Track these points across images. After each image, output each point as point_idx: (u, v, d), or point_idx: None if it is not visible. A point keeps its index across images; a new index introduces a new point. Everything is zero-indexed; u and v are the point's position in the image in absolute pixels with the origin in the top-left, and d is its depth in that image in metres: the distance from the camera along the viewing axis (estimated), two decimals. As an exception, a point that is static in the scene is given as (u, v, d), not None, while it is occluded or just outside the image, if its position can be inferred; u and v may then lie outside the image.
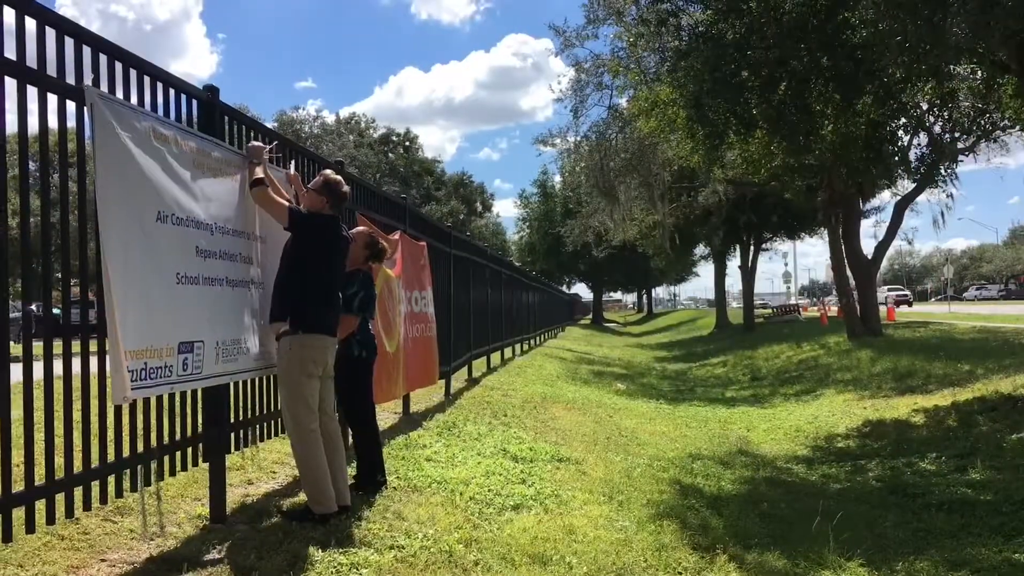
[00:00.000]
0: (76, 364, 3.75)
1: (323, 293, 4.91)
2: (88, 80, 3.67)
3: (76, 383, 3.71)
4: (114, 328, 3.56)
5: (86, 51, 3.69)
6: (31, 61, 3.30)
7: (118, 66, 3.91)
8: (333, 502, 4.81)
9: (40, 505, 3.44)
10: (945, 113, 15.32)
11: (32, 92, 3.29)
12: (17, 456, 3.33)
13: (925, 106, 15.13)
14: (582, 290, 77.52)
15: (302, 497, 5.24)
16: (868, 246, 20.78)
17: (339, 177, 5.17)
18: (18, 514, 3.35)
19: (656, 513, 6.29)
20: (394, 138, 66.97)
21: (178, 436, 4.43)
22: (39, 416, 3.45)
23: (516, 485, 6.36)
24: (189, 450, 4.53)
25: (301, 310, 4.84)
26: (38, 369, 3.46)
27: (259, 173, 4.93)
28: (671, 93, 13.35)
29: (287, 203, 4.98)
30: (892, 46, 9.31)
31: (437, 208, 59.29)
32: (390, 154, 65.01)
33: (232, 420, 5.00)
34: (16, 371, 3.27)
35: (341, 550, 4.29)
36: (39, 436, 3.48)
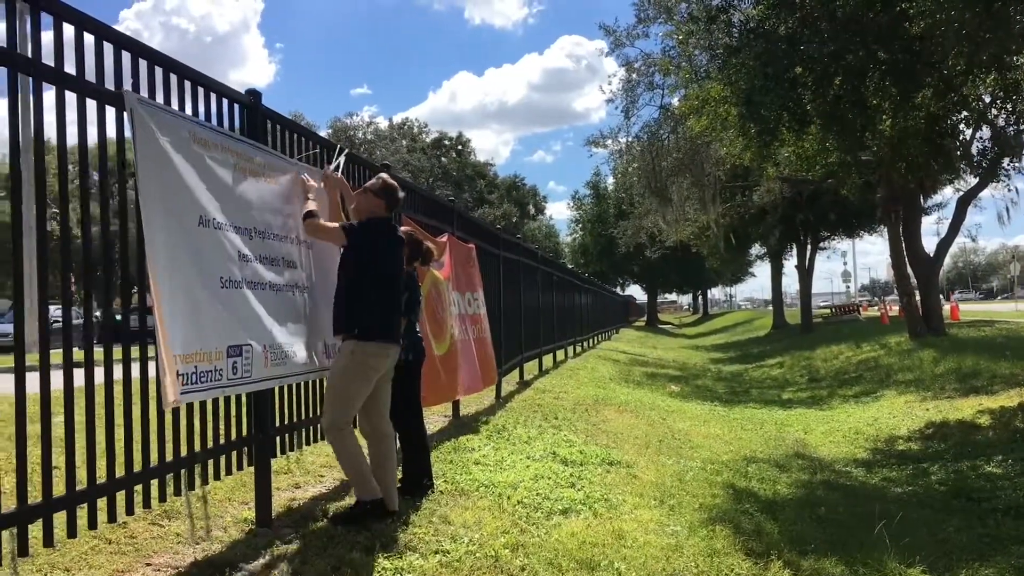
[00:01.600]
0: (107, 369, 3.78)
1: (385, 299, 4.90)
2: (127, 85, 3.69)
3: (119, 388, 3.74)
4: (162, 332, 3.58)
5: (126, 57, 3.71)
6: (69, 67, 3.33)
7: (158, 71, 3.94)
8: (377, 490, 4.81)
9: (83, 511, 3.48)
10: (1008, 105, 14.78)
11: (70, 98, 3.31)
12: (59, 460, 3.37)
13: (987, 98, 14.62)
14: (636, 292, 77.05)
15: (347, 502, 5.24)
16: (930, 243, 20.14)
17: (393, 181, 5.19)
18: (60, 519, 3.38)
19: (708, 518, 6.16)
20: (446, 142, 67.28)
21: (223, 440, 4.44)
22: (80, 420, 3.47)
23: (565, 489, 6.28)
24: (234, 454, 4.54)
25: (364, 319, 4.81)
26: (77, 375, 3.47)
27: (311, 206, 5.00)
28: (722, 90, 13.14)
29: (336, 225, 5.01)
30: (951, 36, 9.03)
31: (490, 211, 59.39)
32: (443, 158, 65.32)
33: (277, 424, 5.01)
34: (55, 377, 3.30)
35: (386, 555, 4.26)
36: (81, 441, 3.51)
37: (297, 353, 4.92)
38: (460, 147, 67.75)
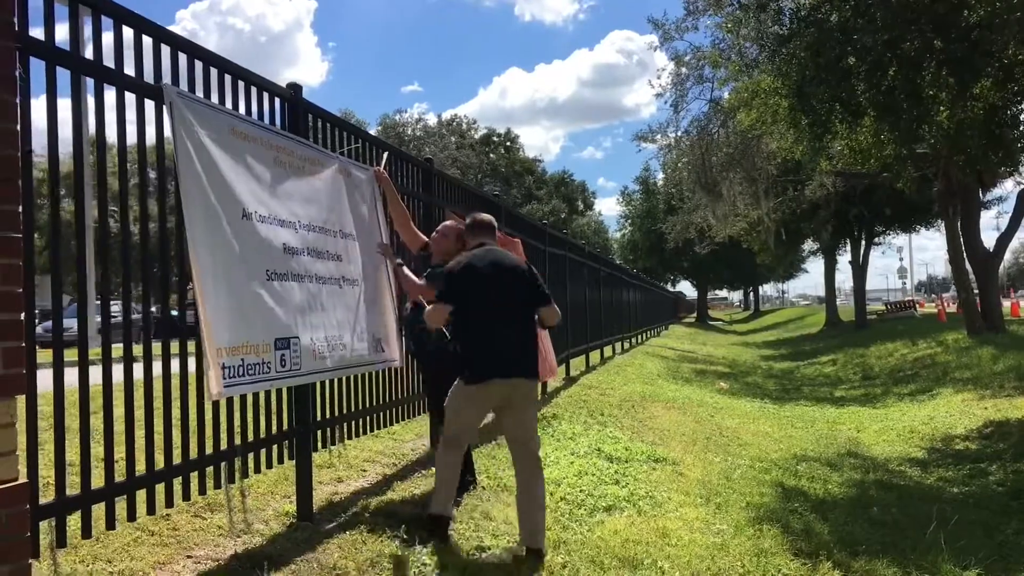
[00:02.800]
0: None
1: (488, 338, 4.58)
2: (167, 79, 3.70)
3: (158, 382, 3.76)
4: (205, 326, 3.58)
5: (165, 51, 3.73)
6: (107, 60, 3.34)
7: (198, 65, 3.95)
8: (449, 510, 4.65)
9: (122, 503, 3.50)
10: (1072, 94, 14.30)
11: (110, 93, 3.33)
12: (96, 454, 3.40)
13: (1049, 88, 14.16)
14: (686, 288, 76.42)
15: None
16: (990, 238, 19.59)
17: (480, 216, 5.05)
18: (99, 510, 3.41)
19: (756, 517, 6.03)
20: (495, 138, 67.30)
21: (263, 434, 4.45)
22: (119, 413, 3.49)
23: (609, 486, 6.20)
24: (275, 448, 4.54)
25: (463, 365, 4.62)
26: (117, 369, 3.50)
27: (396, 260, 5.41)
28: (772, 82, 12.90)
29: (422, 283, 5.20)
30: (1011, 24, 8.73)
31: (538, 207, 59.26)
32: (491, 154, 65.36)
33: (319, 418, 5.02)
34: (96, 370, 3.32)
35: (426, 550, 4.23)
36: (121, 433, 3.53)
37: (345, 347, 4.93)
38: (509, 143, 67.73)
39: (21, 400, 2.55)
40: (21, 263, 2.34)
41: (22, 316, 2.37)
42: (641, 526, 5.29)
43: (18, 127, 2.41)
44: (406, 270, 5.54)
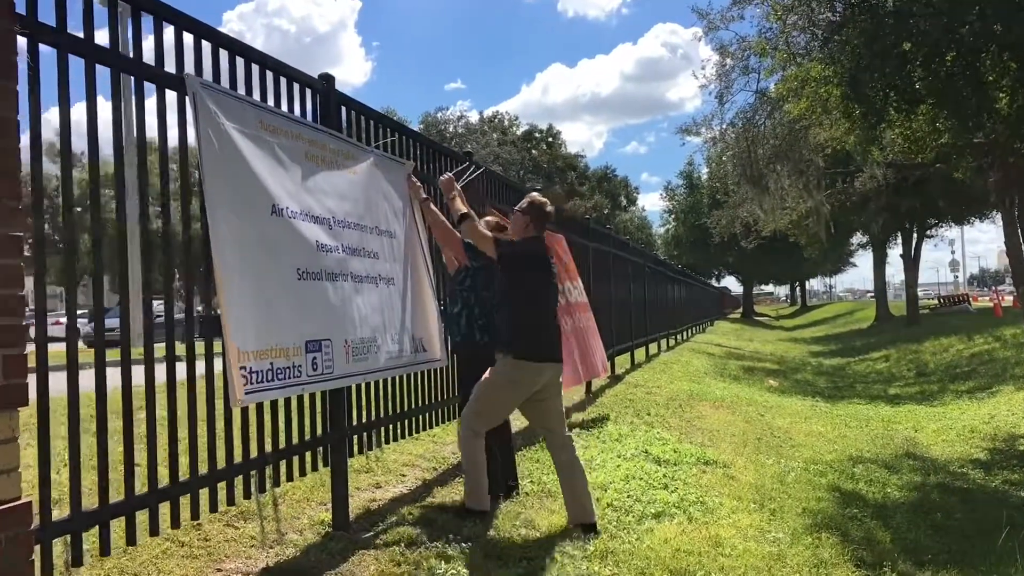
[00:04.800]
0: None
1: (539, 320, 4.91)
2: (189, 69, 3.53)
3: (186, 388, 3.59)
4: (227, 328, 3.41)
5: (188, 39, 3.55)
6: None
7: (223, 55, 3.77)
8: (487, 502, 4.86)
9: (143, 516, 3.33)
10: None
11: (127, 82, 3.15)
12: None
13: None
14: (731, 283, 75.51)
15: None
16: (1049, 230, 18.83)
17: (542, 199, 5.11)
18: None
19: (813, 523, 5.75)
20: (537, 134, 66.98)
21: (295, 440, 4.26)
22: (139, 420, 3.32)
23: (658, 490, 5.95)
24: (308, 455, 4.36)
25: (518, 339, 4.83)
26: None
27: (462, 208, 5.14)
28: (823, 70, 12.43)
29: (491, 235, 5.05)
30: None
31: (581, 203, 58.86)
32: (533, 151, 65.06)
33: (354, 422, 4.83)
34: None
35: (466, 562, 4.03)
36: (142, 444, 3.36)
37: (381, 348, 4.75)
38: (551, 139, 67.36)
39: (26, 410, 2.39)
40: (21, 264, 2.17)
41: (24, 321, 2.21)
42: (692, 534, 5.03)
43: (17, 116, 2.23)
44: (435, 208, 5.40)
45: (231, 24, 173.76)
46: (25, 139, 2.41)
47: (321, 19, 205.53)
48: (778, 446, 8.78)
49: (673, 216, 58.87)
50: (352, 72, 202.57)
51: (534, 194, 5.26)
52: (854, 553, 5.18)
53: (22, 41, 2.58)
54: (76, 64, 2.91)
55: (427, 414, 5.91)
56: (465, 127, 61.46)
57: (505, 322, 4.94)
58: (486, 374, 4.91)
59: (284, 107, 4.24)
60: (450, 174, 5.50)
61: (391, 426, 5.33)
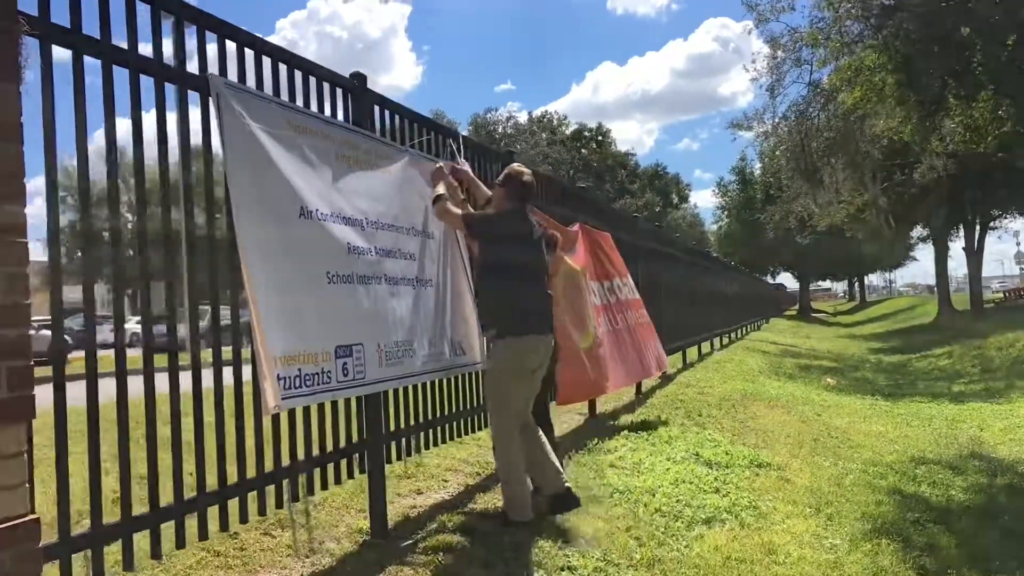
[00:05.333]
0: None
1: (518, 292, 4.71)
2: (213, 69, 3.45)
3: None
4: (259, 334, 3.33)
5: (211, 39, 3.47)
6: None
7: (249, 55, 3.69)
8: (529, 511, 4.64)
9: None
10: None
11: (147, 83, 3.07)
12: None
13: None
14: (787, 280, 74.34)
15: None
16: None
17: (521, 168, 4.97)
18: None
19: (872, 529, 5.50)
20: (586, 133, 66.72)
21: (329, 447, 4.16)
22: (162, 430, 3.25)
23: (709, 495, 5.75)
24: (344, 462, 4.26)
25: (500, 314, 4.70)
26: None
27: (440, 189, 4.93)
28: (877, 57, 12.10)
29: (459, 211, 4.88)
30: None
31: (632, 201, 58.47)
32: (583, 149, 64.79)
33: (393, 428, 4.73)
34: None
35: (506, 573, 3.89)
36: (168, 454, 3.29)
37: (417, 352, 4.64)
38: (600, 138, 67.04)
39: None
40: (27, 272, 2.10)
41: (30, 332, 2.13)
42: (745, 541, 4.84)
43: (21, 119, 2.15)
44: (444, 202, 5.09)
45: (284, 32, 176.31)
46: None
47: (372, 25, 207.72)
48: (836, 447, 8.49)
49: (726, 212, 58.21)
50: (403, 77, 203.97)
51: (513, 165, 5.12)
52: (916, 560, 4.94)
53: (34, 43, 2.51)
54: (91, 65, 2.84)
55: (468, 418, 5.80)
56: (514, 128, 61.48)
57: (484, 301, 4.86)
58: (489, 366, 4.83)
59: (319, 109, 4.15)
60: (440, 164, 5.25)
61: (430, 431, 5.22)
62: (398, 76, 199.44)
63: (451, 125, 52.84)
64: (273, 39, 3.24)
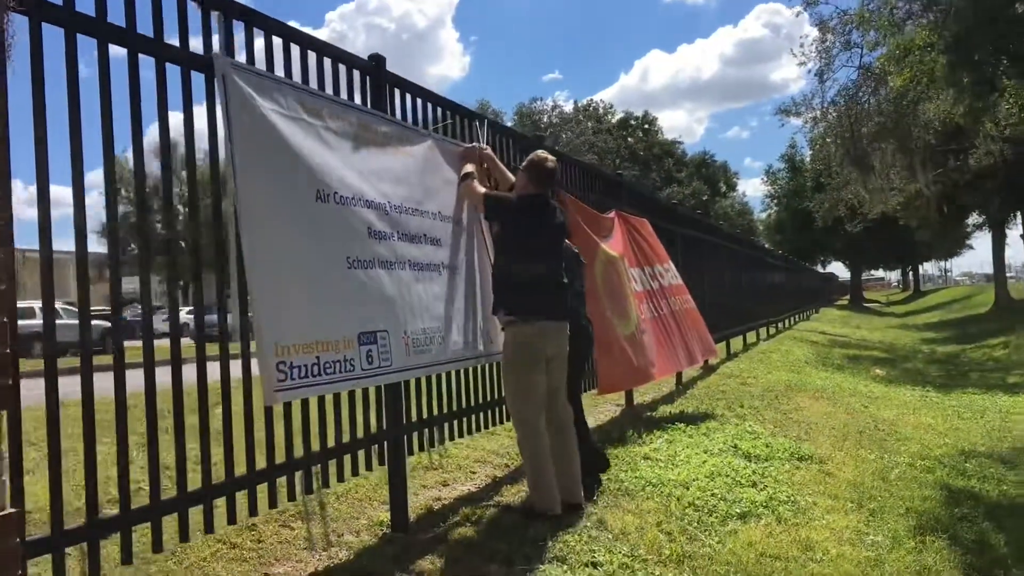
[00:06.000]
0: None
1: (532, 276, 4.61)
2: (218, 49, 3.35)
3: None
4: (259, 322, 3.22)
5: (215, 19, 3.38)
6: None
7: (260, 37, 3.60)
8: (557, 503, 4.53)
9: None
10: None
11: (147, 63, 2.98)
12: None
13: None
14: (838, 269, 73.07)
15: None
16: None
17: (545, 154, 4.86)
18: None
19: (917, 525, 5.27)
20: (632, 122, 66.11)
21: (345, 438, 4.06)
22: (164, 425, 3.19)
23: (745, 489, 5.57)
24: (361, 453, 4.16)
25: (512, 297, 4.60)
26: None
27: (468, 168, 4.92)
28: (927, 37, 11.69)
29: (483, 191, 4.82)
30: None
31: (679, 190, 57.78)
32: (629, 138, 64.19)
33: (416, 418, 4.62)
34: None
35: (528, 568, 3.77)
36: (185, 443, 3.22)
37: (446, 339, 4.55)
38: (646, 126, 66.38)
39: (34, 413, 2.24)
40: (3, 259, 2.01)
41: (16, 320, 2.05)
42: (780, 537, 4.66)
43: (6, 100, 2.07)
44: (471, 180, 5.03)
45: (333, 24, 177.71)
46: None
47: (420, 15, 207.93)
48: (882, 440, 8.22)
49: (775, 201, 57.34)
50: (450, 67, 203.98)
51: (537, 151, 5.02)
52: (962, 559, 4.71)
53: (22, 21, 2.43)
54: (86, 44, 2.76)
55: (495, 409, 5.66)
56: (559, 117, 61.06)
57: (496, 283, 4.78)
58: (503, 354, 4.71)
59: (341, 93, 4.06)
60: (470, 145, 5.24)
61: (455, 422, 5.10)
62: (446, 66, 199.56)
63: (496, 115, 52.69)
64: (322, 32, 3.20)
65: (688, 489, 5.35)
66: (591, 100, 71.72)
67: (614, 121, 65.01)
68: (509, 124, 52.59)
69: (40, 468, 4.10)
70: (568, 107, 64.71)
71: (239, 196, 3.20)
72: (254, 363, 3.40)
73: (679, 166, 65.20)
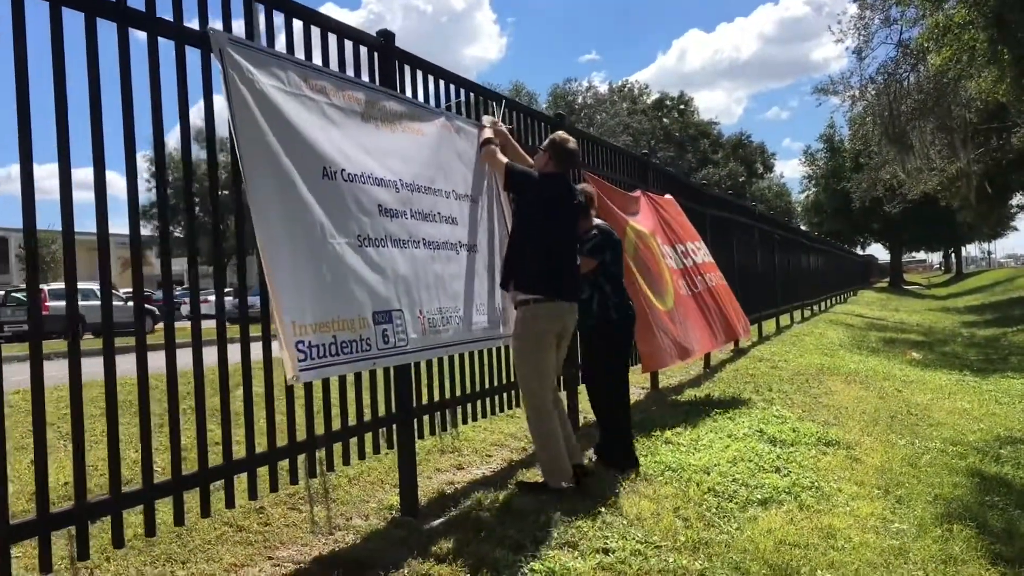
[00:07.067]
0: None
1: (547, 255, 4.57)
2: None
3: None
4: (276, 302, 3.19)
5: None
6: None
7: (262, 12, 3.52)
8: (569, 476, 4.54)
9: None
10: None
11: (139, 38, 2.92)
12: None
13: None
14: (878, 251, 71.92)
15: (510, 486, 4.74)
16: None
17: (566, 135, 4.83)
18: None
19: (944, 513, 5.14)
20: (668, 102, 65.37)
21: (351, 420, 4.01)
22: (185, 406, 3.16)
23: (768, 474, 5.46)
24: (368, 436, 4.11)
25: (526, 275, 4.56)
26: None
27: (487, 134, 4.90)
28: (967, 14, 11.35)
29: (506, 162, 4.78)
30: None
31: (714, 171, 57.14)
32: (664, 119, 63.49)
33: (427, 401, 4.57)
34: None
35: (536, 554, 3.70)
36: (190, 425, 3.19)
37: (463, 320, 4.49)
38: (682, 107, 65.60)
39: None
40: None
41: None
42: (801, 524, 4.55)
43: None
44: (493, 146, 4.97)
45: (371, 6, 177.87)
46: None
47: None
48: (914, 425, 8.03)
49: (813, 182, 56.48)
50: (487, 48, 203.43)
51: (558, 132, 5.02)
52: (990, 548, 4.58)
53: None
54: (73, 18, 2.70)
55: (512, 392, 5.58)
56: (594, 98, 60.52)
57: (508, 258, 4.76)
58: (514, 331, 4.67)
59: (348, 70, 3.99)
60: (486, 117, 5.23)
61: (468, 405, 5.03)
62: (483, 48, 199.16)
63: (529, 97, 52.26)
64: (360, 13, 3.17)
65: (709, 474, 5.25)
66: (626, 81, 71.09)
67: (649, 102, 64.32)
68: (544, 106, 52.21)
69: (100, 444, 4.10)
70: (603, 88, 64.19)
71: (245, 173, 3.16)
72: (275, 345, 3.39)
73: (715, 147, 64.42)
